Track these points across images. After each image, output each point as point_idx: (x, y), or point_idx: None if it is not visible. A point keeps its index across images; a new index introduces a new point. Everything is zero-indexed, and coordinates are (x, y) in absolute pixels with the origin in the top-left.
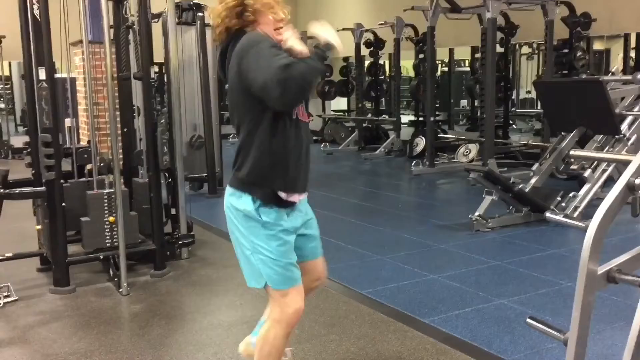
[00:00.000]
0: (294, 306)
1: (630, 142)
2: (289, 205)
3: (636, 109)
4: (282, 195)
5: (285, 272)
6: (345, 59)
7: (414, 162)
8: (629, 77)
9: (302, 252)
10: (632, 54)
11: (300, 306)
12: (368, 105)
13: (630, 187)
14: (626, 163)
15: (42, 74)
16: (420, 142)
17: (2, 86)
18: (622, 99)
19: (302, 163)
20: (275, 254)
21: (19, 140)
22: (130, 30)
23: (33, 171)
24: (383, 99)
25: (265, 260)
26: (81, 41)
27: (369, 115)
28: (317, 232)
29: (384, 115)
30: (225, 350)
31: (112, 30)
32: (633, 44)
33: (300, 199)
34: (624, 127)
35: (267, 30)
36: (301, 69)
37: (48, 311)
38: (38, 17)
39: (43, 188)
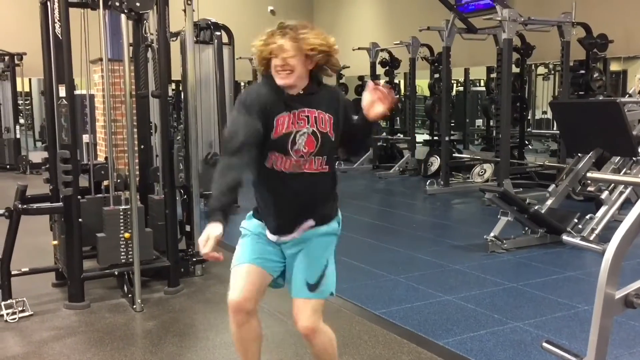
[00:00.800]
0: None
1: None
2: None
3: None
4: (267, 234)
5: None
6: (361, 78)
7: (429, 181)
8: None
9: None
10: None
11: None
12: (383, 124)
13: None
14: None
15: (62, 91)
16: (435, 162)
17: (22, 102)
18: (639, 120)
19: (285, 211)
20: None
21: (37, 156)
22: (149, 48)
23: (51, 187)
24: (398, 118)
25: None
26: (101, 59)
27: (384, 134)
28: (305, 272)
29: (399, 134)
30: None
31: (131, 49)
32: None
33: (285, 239)
34: None
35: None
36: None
37: (62, 326)
38: (59, 35)
39: (60, 204)
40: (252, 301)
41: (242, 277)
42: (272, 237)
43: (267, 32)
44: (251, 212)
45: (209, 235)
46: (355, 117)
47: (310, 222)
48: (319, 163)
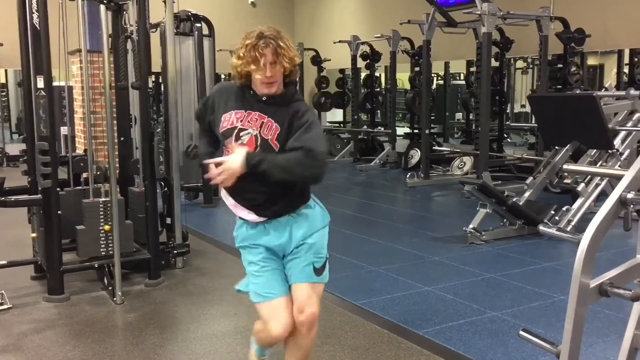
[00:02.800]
0: (264, 324)
1: (623, 157)
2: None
3: (629, 124)
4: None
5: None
6: (342, 71)
7: (409, 174)
8: (622, 93)
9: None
10: (626, 69)
11: (270, 328)
12: (364, 117)
13: (622, 202)
14: (619, 177)
15: (40, 82)
16: (415, 155)
17: None
18: (615, 114)
19: (240, 190)
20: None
21: (13, 148)
22: (129, 39)
23: (29, 179)
24: (379, 111)
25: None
26: (79, 50)
27: (365, 127)
28: (305, 258)
29: (379, 127)
30: None
31: (110, 40)
32: (626, 60)
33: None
34: (617, 142)
35: (255, 83)
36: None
37: (42, 319)
38: (37, 26)
39: (39, 196)
40: (292, 325)
41: (281, 310)
42: (258, 219)
43: (247, 43)
44: (240, 221)
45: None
46: (295, 143)
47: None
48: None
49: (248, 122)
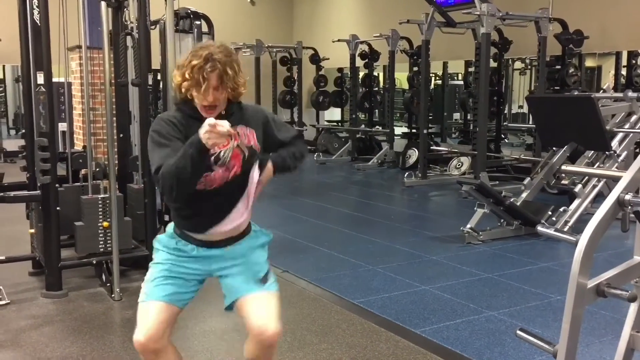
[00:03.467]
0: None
1: (621, 158)
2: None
3: (626, 126)
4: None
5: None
6: (340, 70)
7: (407, 173)
8: (620, 95)
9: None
10: (624, 71)
11: (136, 334)
12: (362, 116)
13: (620, 203)
14: (616, 179)
15: (40, 78)
16: (413, 154)
17: None
18: (613, 115)
19: (209, 224)
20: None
21: (11, 144)
22: (129, 36)
23: (28, 175)
24: (377, 111)
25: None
26: (79, 46)
27: (363, 126)
28: (244, 269)
29: (377, 127)
30: (217, 357)
31: (110, 36)
32: (624, 61)
33: (213, 253)
34: (614, 143)
35: (198, 105)
36: (169, 170)
37: (40, 315)
38: (38, 22)
39: (38, 192)
40: (161, 340)
41: (151, 316)
42: (197, 251)
43: (193, 64)
44: (171, 230)
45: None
46: (281, 138)
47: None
48: (243, 171)
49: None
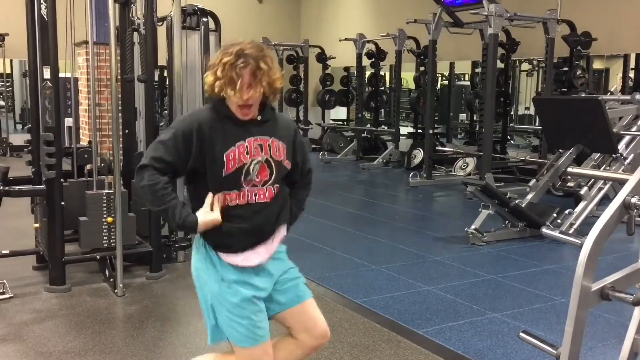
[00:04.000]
0: None
1: (627, 161)
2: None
3: (634, 128)
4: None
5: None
6: (347, 69)
7: (412, 173)
8: (627, 97)
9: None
10: (631, 74)
11: None
12: (367, 115)
13: (626, 206)
14: (622, 182)
15: (46, 73)
16: (418, 154)
17: (2, 84)
18: (620, 118)
19: (252, 237)
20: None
21: (17, 138)
22: (136, 32)
23: (33, 169)
24: (383, 110)
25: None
26: (85, 42)
27: (368, 125)
28: (297, 276)
29: (383, 126)
30: None
31: (117, 32)
32: (632, 64)
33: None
34: (621, 146)
35: (232, 106)
36: (141, 183)
37: (43, 309)
38: (45, 16)
39: (43, 186)
40: None
41: (270, 354)
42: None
43: (224, 61)
44: (207, 253)
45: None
46: (304, 164)
47: (282, 233)
48: (273, 191)
49: (253, 150)
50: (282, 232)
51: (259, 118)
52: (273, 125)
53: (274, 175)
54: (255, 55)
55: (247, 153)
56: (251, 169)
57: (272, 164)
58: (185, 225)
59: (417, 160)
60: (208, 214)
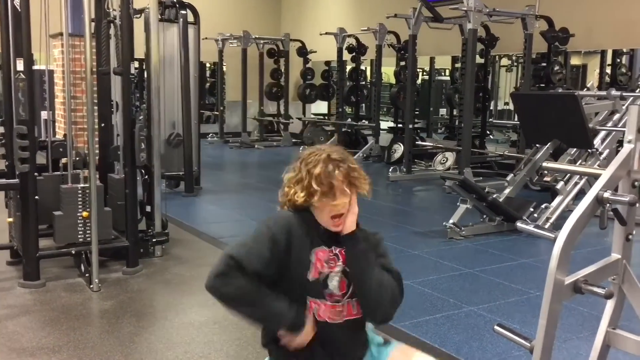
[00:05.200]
0: None
1: (603, 156)
2: None
3: (609, 124)
4: None
5: None
6: (327, 63)
7: (392, 168)
8: (603, 93)
9: None
10: (608, 70)
11: None
12: (348, 110)
13: (599, 200)
14: (597, 176)
15: (20, 65)
16: (398, 149)
17: None
18: (596, 114)
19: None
20: None
21: None
22: (112, 24)
23: (6, 163)
24: (363, 105)
25: None
26: (61, 33)
27: (349, 120)
28: None
29: (363, 121)
30: (195, 349)
31: (93, 24)
32: (609, 60)
33: None
34: (597, 141)
35: (322, 218)
36: (236, 299)
37: (17, 305)
38: (18, 7)
39: (16, 180)
40: None
41: None
42: None
43: (313, 171)
44: None
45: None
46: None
47: None
48: (353, 307)
49: (330, 261)
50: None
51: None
52: (353, 238)
53: (351, 287)
54: (343, 158)
55: (326, 262)
56: (329, 281)
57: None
58: (285, 321)
59: (397, 155)
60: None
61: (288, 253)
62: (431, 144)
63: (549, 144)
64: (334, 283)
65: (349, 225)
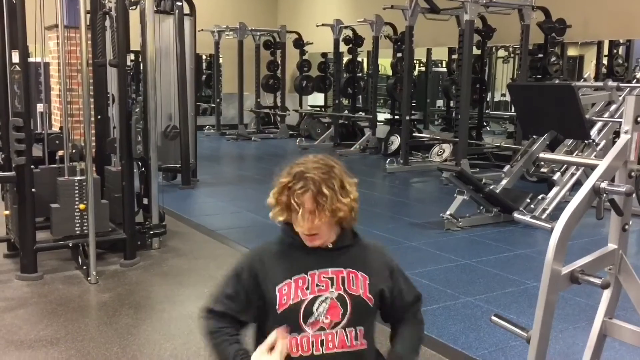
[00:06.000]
0: None
1: (599, 147)
2: None
3: (606, 115)
4: None
5: None
6: (324, 54)
7: (389, 160)
8: (600, 84)
9: None
10: (605, 61)
11: None
12: (345, 101)
13: (595, 191)
14: (593, 167)
15: (15, 57)
16: (395, 141)
17: None
18: (593, 104)
19: None
20: None
21: None
22: (107, 16)
23: (3, 155)
24: (360, 96)
25: None
26: (56, 25)
27: (346, 111)
28: None
29: (360, 113)
30: (192, 340)
31: (88, 16)
32: (606, 51)
33: None
34: (593, 132)
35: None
36: (207, 340)
37: (14, 297)
38: None
39: (13, 173)
40: None
41: None
42: None
43: (282, 183)
44: None
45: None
46: (406, 294)
47: None
48: (351, 337)
49: (317, 286)
50: None
51: (329, 246)
52: (353, 253)
53: (347, 315)
54: (317, 179)
55: (307, 288)
56: (314, 308)
57: (348, 300)
58: None
59: (394, 147)
60: (263, 355)
61: (257, 285)
62: (428, 136)
63: (545, 135)
64: (319, 313)
65: (323, 240)
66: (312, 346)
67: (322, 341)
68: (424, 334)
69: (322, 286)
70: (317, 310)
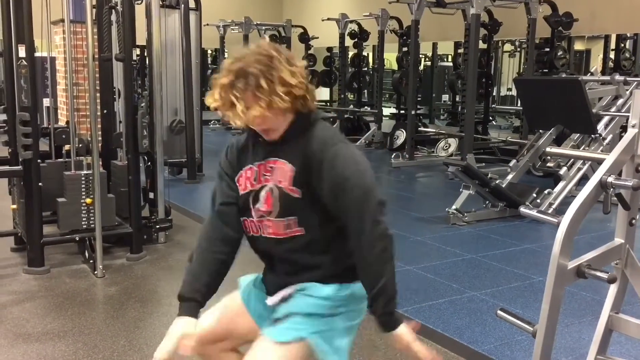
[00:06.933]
0: None
1: (606, 141)
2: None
3: (613, 109)
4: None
5: None
6: (329, 49)
7: (394, 154)
8: (607, 78)
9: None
10: (612, 55)
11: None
12: (350, 96)
13: (602, 185)
14: (600, 162)
15: (22, 51)
16: (401, 135)
17: None
18: (600, 99)
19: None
20: None
21: None
22: (113, 10)
23: (10, 150)
24: (365, 91)
25: None
26: (62, 20)
27: (351, 106)
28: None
29: (365, 107)
30: None
31: (94, 10)
32: (613, 45)
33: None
34: (600, 126)
35: None
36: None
37: (21, 291)
38: None
39: (20, 167)
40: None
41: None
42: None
43: (221, 83)
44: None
45: (183, 334)
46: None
47: (286, 292)
48: (282, 226)
49: (263, 176)
50: (297, 290)
51: (278, 138)
52: (294, 144)
53: (278, 206)
54: (257, 73)
55: (255, 179)
56: (260, 195)
57: (276, 192)
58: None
59: (399, 141)
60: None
61: (232, 175)
62: (434, 130)
63: (552, 129)
64: (260, 203)
65: (273, 129)
66: (259, 230)
67: (263, 226)
68: (392, 253)
69: (267, 176)
70: (261, 198)
